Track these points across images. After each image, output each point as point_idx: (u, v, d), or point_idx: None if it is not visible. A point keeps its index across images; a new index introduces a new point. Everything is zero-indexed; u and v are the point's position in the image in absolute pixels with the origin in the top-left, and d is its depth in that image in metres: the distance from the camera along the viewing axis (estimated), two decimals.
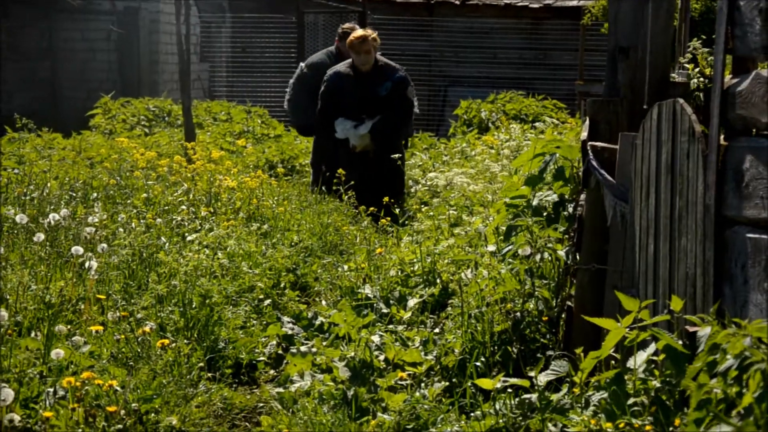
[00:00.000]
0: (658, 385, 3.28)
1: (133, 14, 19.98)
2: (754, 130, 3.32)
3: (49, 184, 8.15)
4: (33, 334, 4.90)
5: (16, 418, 4.12)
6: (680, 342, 3.20)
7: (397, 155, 9.03)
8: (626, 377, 3.40)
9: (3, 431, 4.08)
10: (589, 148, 4.74)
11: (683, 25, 8.44)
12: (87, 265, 5.59)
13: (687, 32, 8.40)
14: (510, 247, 5.38)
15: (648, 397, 3.30)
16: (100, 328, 5.04)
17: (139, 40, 20.02)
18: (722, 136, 3.47)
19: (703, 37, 5.12)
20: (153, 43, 20.23)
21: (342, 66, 9.53)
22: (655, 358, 3.37)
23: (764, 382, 2.46)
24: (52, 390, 4.32)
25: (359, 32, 9.49)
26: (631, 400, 3.31)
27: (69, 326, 5.07)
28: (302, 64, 10.50)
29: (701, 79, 5.38)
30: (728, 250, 3.41)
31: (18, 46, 18.59)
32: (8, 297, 5.19)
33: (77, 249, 5.62)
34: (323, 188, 9.15)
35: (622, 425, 3.29)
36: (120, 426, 4.26)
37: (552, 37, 20.37)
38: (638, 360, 3.39)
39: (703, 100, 5.28)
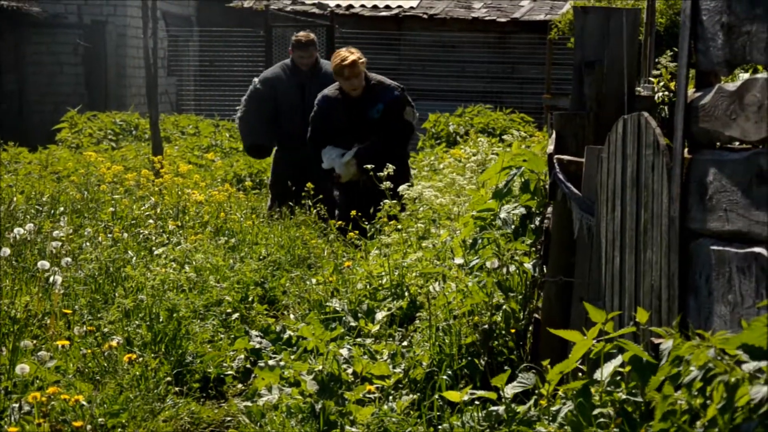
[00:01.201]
0: (624, 396, 3.30)
1: (100, 28, 19.92)
2: (717, 144, 3.35)
3: (15, 199, 8.10)
4: None
5: None
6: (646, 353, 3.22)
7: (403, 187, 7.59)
8: (592, 389, 3.41)
9: None
10: (555, 161, 4.76)
11: (648, 39, 8.52)
12: (52, 279, 5.56)
13: (652, 46, 8.47)
14: (477, 260, 5.39)
15: (614, 409, 3.31)
16: (66, 342, 5.01)
17: (106, 53, 19.96)
18: (686, 149, 3.50)
19: (675, 49, 5.17)
20: (120, 57, 20.18)
21: (330, 89, 8.58)
22: (621, 369, 3.39)
23: (727, 394, 2.48)
24: (17, 405, 4.29)
25: (346, 55, 8.40)
26: (596, 411, 3.33)
27: (35, 341, 5.03)
28: (255, 80, 9.71)
29: (666, 92, 5.42)
30: (693, 263, 3.43)
31: None
32: None
33: (43, 263, 5.59)
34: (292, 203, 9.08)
35: None
36: None
37: (519, 51, 20.48)
38: (605, 372, 3.40)
39: (668, 113, 5.32)
